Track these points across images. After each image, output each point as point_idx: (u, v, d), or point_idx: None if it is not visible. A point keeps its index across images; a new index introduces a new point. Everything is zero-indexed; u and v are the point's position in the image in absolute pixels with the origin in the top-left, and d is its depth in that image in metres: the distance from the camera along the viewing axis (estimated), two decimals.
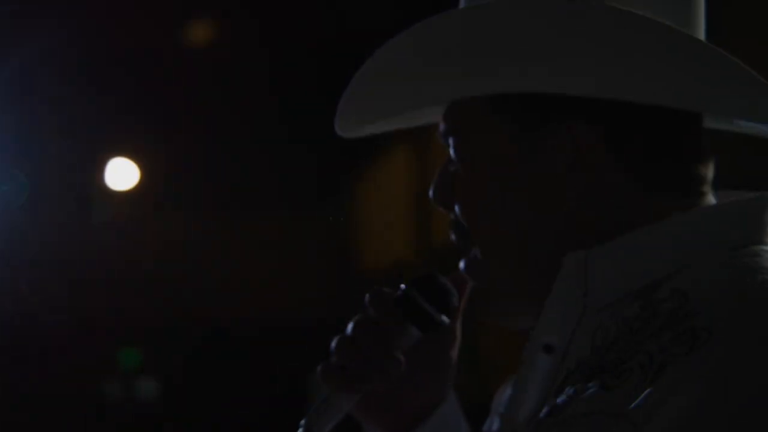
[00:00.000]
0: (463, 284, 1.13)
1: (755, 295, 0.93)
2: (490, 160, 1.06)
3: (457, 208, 1.08)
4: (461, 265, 1.11)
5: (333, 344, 1.13)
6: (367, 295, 1.13)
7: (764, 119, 1.05)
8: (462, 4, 1.10)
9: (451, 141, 1.10)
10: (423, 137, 6.18)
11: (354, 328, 1.13)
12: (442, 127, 1.12)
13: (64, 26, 5.02)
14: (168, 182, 5.96)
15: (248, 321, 5.73)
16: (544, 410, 0.97)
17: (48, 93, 5.26)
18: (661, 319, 0.93)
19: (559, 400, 0.96)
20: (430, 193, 1.12)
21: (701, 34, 1.08)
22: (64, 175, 5.64)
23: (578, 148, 1.03)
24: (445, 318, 1.10)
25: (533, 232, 1.04)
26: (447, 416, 1.19)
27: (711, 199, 1.07)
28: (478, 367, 5.60)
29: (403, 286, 1.11)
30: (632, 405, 0.89)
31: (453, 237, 1.11)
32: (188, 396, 5.80)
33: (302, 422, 1.09)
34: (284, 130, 5.58)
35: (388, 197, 6.16)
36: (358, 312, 1.14)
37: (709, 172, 1.07)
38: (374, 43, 1.14)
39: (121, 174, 5.83)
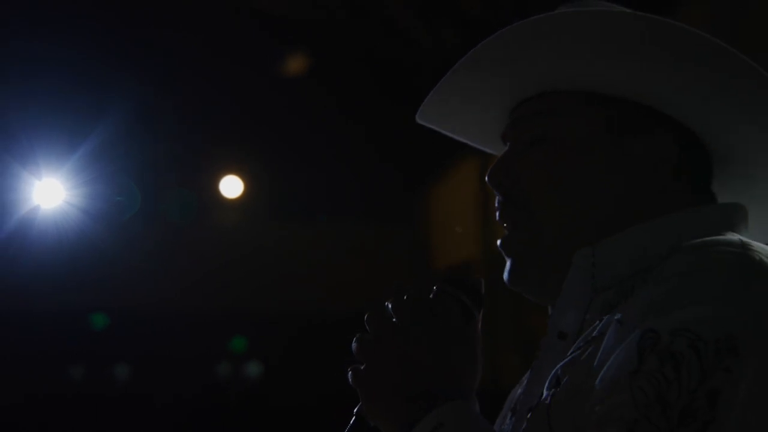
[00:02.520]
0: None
1: (703, 259, 0.97)
2: (576, 143, 1.07)
3: (521, 184, 1.09)
4: (500, 242, 1.12)
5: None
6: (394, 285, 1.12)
7: None
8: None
9: (532, 123, 1.10)
10: (486, 155, 6.45)
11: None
12: (520, 111, 1.12)
13: (183, 68, 5.49)
14: (269, 195, 6.44)
15: (337, 313, 5.99)
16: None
17: (170, 123, 5.79)
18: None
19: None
20: (489, 174, 1.12)
21: None
22: (184, 187, 6.14)
23: (659, 157, 1.06)
24: (477, 312, 1.09)
25: (590, 210, 1.06)
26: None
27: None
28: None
29: (435, 287, 1.09)
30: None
31: (499, 215, 1.12)
32: (287, 376, 6.23)
33: (356, 410, 1.06)
34: (369, 150, 6.00)
35: (456, 207, 6.46)
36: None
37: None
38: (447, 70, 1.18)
39: (230, 187, 6.34)
